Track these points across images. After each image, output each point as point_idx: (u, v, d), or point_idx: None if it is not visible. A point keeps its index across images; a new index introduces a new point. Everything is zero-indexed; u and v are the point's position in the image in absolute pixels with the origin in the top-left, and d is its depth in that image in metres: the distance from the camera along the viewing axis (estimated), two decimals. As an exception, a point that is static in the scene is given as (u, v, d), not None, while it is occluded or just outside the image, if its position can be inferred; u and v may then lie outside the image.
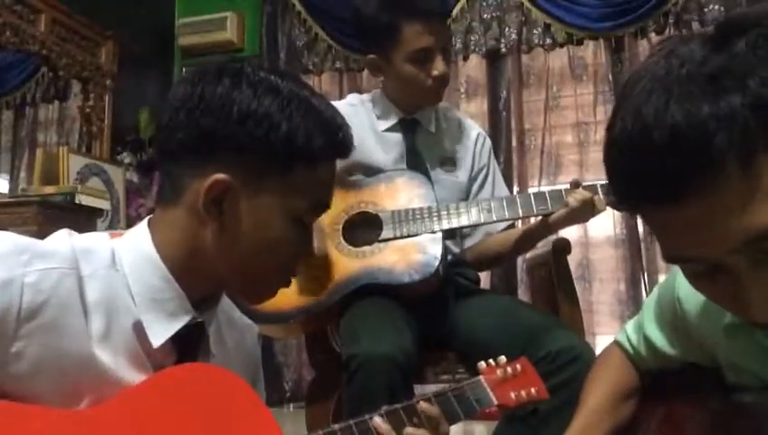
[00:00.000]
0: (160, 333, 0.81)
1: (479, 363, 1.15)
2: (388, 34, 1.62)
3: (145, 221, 0.87)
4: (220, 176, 0.80)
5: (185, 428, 0.80)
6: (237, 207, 0.82)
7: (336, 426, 0.92)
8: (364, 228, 1.63)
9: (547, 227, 1.61)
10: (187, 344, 0.85)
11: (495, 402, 1.09)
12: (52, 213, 2.99)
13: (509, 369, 1.14)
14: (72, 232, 0.83)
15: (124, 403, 0.78)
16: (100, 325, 0.78)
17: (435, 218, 1.59)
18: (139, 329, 0.81)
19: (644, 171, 0.61)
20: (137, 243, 0.84)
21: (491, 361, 1.15)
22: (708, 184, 0.58)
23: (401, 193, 1.64)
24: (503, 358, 1.16)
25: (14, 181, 4.44)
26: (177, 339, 0.83)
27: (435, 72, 1.63)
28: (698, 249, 0.63)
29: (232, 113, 0.81)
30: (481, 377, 1.11)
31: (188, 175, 0.82)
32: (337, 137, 0.86)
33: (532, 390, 1.14)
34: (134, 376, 0.80)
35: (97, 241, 0.83)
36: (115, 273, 0.81)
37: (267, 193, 0.83)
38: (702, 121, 0.57)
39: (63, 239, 0.80)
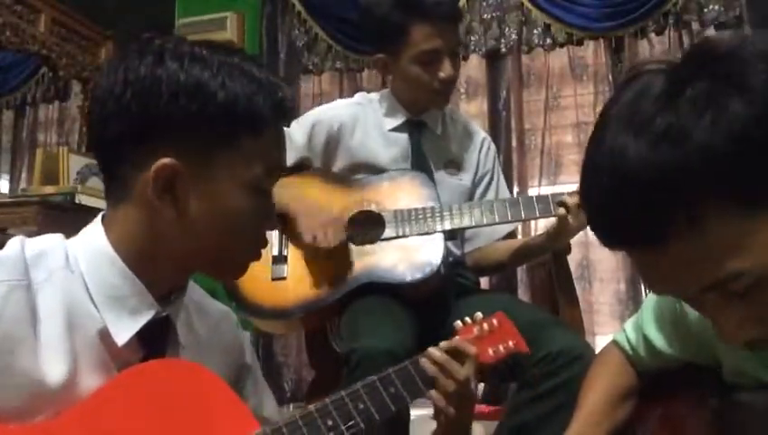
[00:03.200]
0: (124, 331, 0.79)
1: (455, 323, 1.12)
2: (398, 35, 1.63)
3: (98, 219, 0.84)
4: (164, 160, 0.77)
5: (155, 425, 0.78)
6: (190, 188, 0.79)
7: (312, 407, 0.90)
8: (367, 227, 1.63)
9: (549, 239, 1.61)
10: (154, 339, 0.83)
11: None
12: (52, 213, 2.98)
13: (485, 325, 1.12)
14: (25, 238, 0.80)
15: (88, 408, 0.76)
16: (57, 333, 0.75)
17: (437, 218, 1.59)
18: (102, 332, 0.78)
19: (603, 217, 0.66)
20: (92, 241, 0.81)
21: (467, 319, 1.13)
22: (658, 238, 0.62)
23: (404, 192, 1.64)
24: (479, 314, 1.14)
25: (14, 181, 4.44)
26: (142, 335, 0.81)
27: (441, 75, 1.63)
28: (667, 290, 0.69)
29: (161, 92, 0.77)
30: (458, 337, 1.10)
31: (132, 167, 0.79)
32: (277, 97, 0.82)
33: (510, 343, 1.12)
34: (95, 381, 0.78)
35: (50, 243, 0.80)
36: (70, 274, 0.79)
37: (218, 168, 0.80)
38: (649, 179, 0.60)
39: (14, 248, 0.78)
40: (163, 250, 0.81)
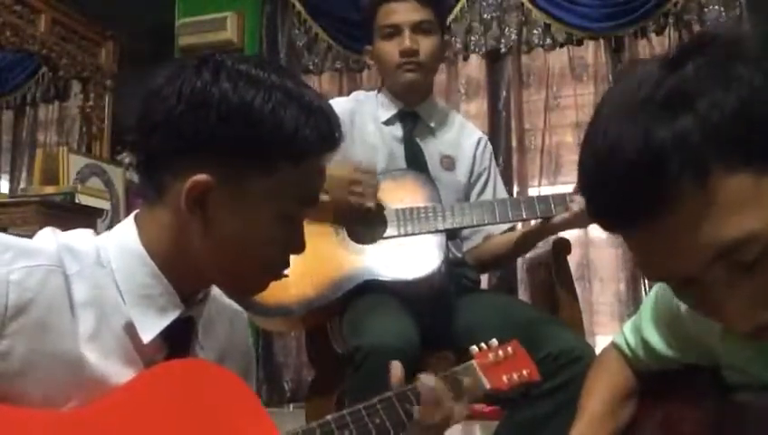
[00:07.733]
0: (150, 328, 0.80)
1: (471, 348, 1.13)
2: (371, 18, 1.73)
3: (131, 217, 0.86)
4: (201, 176, 0.78)
5: (178, 424, 0.79)
6: (221, 207, 0.80)
7: (329, 417, 0.91)
8: (369, 225, 1.63)
9: (547, 229, 1.62)
10: (178, 339, 0.85)
11: (488, 386, 1.08)
12: (52, 213, 2.99)
13: (500, 352, 1.13)
14: (57, 230, 0.81)
15: (116, 401, 0.77)
16: (89, 324, 0.77)
17: (439, 218, 1.60)
18: (129, 328, 0.80)
19: (607, 198, 0.64)
20: (124, 239, 0.83)
21: (483, 344, 1.14)
22: (667, 206, 0.61)
23: (407, 192, 1.65)
24: (494, 341, 1.14)
25: (14, 181, 4.44)
26: (167, 334, 0.82)
27: (399, 47, 1.68)
28: (673, 268, 0.66)
29: (210, 111, 0.77)
30: (473, 362, 1.10)
31: (169, 175, 0.80)
32: (324, 128, 0.82)
33: (524, 372, 1.13)
34: (125, 374, 0.79)
35: (81, 239, 0.82)
36: (102, 270, 0.80)
37: (252, 191, 0.80)
38: (656, 146, 0.59)
39: (48, 237, 0.79)
40: (188, 258, 0.82)
